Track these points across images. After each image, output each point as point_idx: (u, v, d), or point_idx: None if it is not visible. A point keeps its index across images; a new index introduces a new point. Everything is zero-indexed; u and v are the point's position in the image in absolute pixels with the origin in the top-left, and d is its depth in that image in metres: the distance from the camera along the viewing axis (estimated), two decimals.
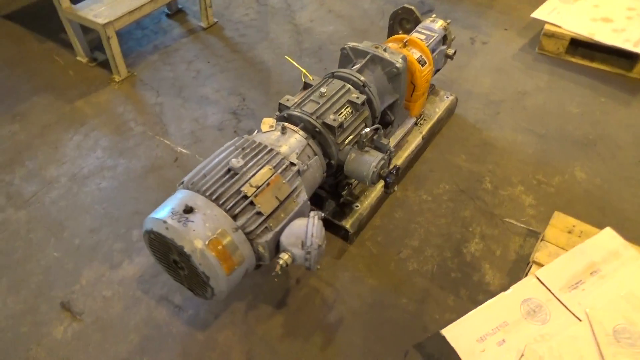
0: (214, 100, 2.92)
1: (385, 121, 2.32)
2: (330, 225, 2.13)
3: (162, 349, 1.82)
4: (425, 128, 2.57)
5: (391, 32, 2.87)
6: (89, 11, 2.85)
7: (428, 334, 1.86)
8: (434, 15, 2.70)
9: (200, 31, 3.50)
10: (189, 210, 1.44)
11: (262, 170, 1.57)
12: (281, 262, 1.52)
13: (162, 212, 1.47)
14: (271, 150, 1.66)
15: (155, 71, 3.12)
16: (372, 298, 1.99)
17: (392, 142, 2.36)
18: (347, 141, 1.86)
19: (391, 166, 1.90)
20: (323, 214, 1.61)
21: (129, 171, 2.48)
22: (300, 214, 1.63)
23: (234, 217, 1.48)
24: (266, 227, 1.54)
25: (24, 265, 2.09)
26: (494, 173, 2.49)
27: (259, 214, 1.52)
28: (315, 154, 1.77)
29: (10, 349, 1.82)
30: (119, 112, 2.82)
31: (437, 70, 2.74)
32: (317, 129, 1.80)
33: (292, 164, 1.66)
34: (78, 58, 3.18)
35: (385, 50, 2.13)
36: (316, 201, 2.13)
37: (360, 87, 2.00)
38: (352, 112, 1.90)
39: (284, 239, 1.54)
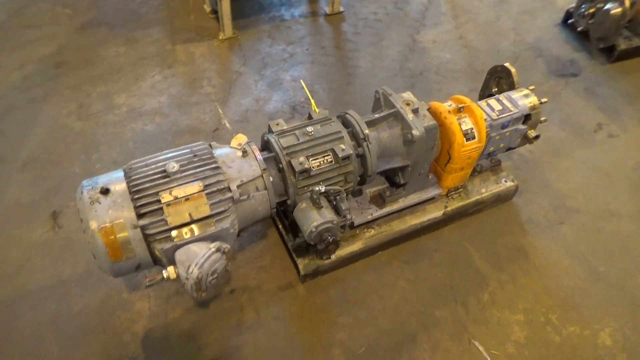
0: (286, 87, 2.95)
1: (394, 182, 2.12)
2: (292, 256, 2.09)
3: (95, 284, 2.03)
4: (454, 205, 2.28)
5: (486, 86, 2.55)
6: None
7: None
8: (532, 88, 2.31)
9: (322, 16, 3.50)
10: (104, 191, 1.54)
11: (191, 185, 1.59)
12: (165, 274, 1.56)
13: (92, 181, 1.59)
14: (217, 168, 1.66)
15: (256, 41, 3.25)
16: (282, 344, 1.92)
17: (395, 205, 2.15)
18: (310, 188, 1.75)
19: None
20: (227, 248, 1.58)
21: (174, 124, 2.69)
22: (215, 238, 1.62)
23: (139, 216, 1.54)
24: (168, 237, 1.57)
25: (52, 166, 2.46)
26: (504, 287, 2.13)
27: (165, 222, 1.55)
28: (266, 189, 1.72)
29: None
30: (202, 68, 3.03)
31: (510, 149, 2.37)
32: (281, 165, 1.73)
33: (229, 189, 1.64)
34: (204, 6, 3.44)
35: (415, 110, 1.91)
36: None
37: (359, 139, 1.85)
38: (331, 161, 1.77)
39: (178, 255, 1.57)
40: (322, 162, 1.77)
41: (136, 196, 1.55)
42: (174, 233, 1.57)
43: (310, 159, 1.75)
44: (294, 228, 1.98)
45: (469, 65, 3.18)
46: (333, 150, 1.78)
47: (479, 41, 3.36)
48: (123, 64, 3.02)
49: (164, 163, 1.63)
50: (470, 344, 1.95)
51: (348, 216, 1.74)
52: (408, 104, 1.92)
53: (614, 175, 2.58)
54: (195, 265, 1.51)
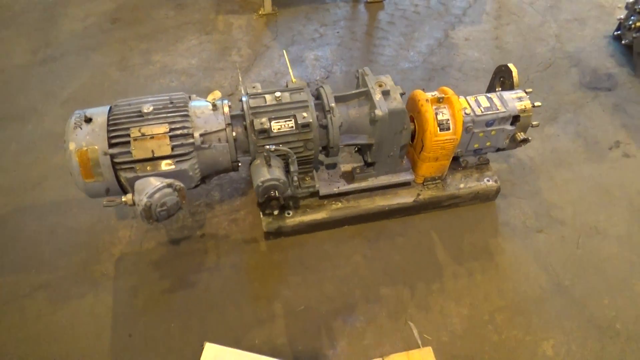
0: (306, 65, 3.11)
1: (365, 161, 2.21)
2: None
3: (91, 209, 2.34)
4: (427, 194, 2.32)
5: (491, 84, 2.55)
6: None
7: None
8: (529, 90, 2.29)
9: (363, 2, 3.59)
10: (87, 120, 1.81)
11: (158, 126, 1.81)
12: (123, 199, 1.80)
13: (83, 111, 1.86)
14: (186, 115, 1.87)
15: (292, 19, 3.42)
16: (231, 288, 2.11)
17: (364, 183, 2.25)
18: (268, 147, 1.91)
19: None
20: (179, 186, 1.79)
21: (196, 84, 2.95)
22: (174, 177, 1.84)
23: (110, 145, 1.79)
24: (132, 168, 1.81)
25: (85, 106, 2.81)
26: (457, 280, 2.15)
27: (130, 154, 1.79)
28: (227, 142, 1.90)
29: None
30: (236, 38, 3.27)
31: (500, 149, 2.36)
32: (244, 124, 1.91)
33: (192, 135, 1.84)
34: None
35: (386, 92, 1.99)
36: None
37: (325, 111, 1.97)
38: (292, 127, 1.92)
39: (137, 184, 1.80)
40: (283, 126, 1.91)
41: (111, 128, 1.80)
42: (137, 165, 1.81)
43: (272, 122, 1.90)
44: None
45: (495, 65, 3.10)
46: (295, 117, 1.91)
47: (514, 44, 3.29)
48: (168, 26, 3.33)
49: (143, 104, 1.87)
50: (405, 324, 2.02)
51: (295, 178, 1.88)
52: (380, 85, 2.00)
53: (615, 195, 2.47)
54: (146, 194, 1.73)
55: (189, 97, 1.98)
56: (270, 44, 3.24)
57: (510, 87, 2.38)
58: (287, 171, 1.93)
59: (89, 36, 3.23)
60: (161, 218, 1.83)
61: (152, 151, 1.80)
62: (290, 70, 2.09)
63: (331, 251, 2.24)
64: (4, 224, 2.29)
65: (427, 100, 2.12)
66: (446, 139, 2.13)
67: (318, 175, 2.26)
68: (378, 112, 1.93)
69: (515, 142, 2.31)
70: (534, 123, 2.30)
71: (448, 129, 2.12)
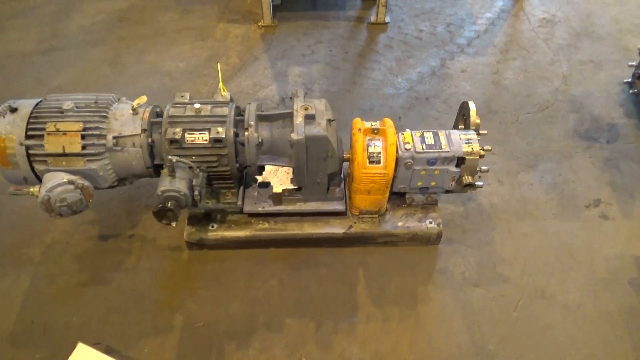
0: (287, 80, 3.08)
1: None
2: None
3: None
4: (361, 227, 2.21)
5: (456, 122, 2.40)
6: None
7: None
8: (484, 132, 2.14)
9: (365, 23, 3.52)
10: (12, 110, 1.88)
11: (73, 123, 1.86)
12: (31, 189, 1.86)
13: (13, 100, 1.95)
14: (104, 117, 1.90)
15: (290, 33, 3.41)
16: (140, 291, 2.11)
17: (290, 206, 2.17)
18: (170, 157, 1.88)
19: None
20: (83, 184, 1.82)
21: (175, 88, 3.00)
22: (82, 174, 1.87)
23: (27, 137, 1.85)
24: (45, 160, 1.86)
25: (70, 88, 2.95)
26: (369, 322, 2.02)
27: (43, 147, 1.84)
28: (141, 147, 1.91)
29: None
30: (228, 47, 3.31)
31: (449, 192, 2.21)
32: (160, 132, 1.91)
33: (105, 137, 1.87)
34: None
35: (310, 116, 1.91)
36: None
37: (242, 128, 1.93)
38: (206, 140, 1.89)
39: (45, 177, 1.84)
40: (197, 139, 1.89)
41: (32, 121, 1.87)
42: (49, 159, 1.86)
43: (186, 133, 1.89)
44: (212, 193, 2.12)
45: (485, 101, 2.94)
46: (209, 131, 1.89)
47: (513, 80, 3.08)
48: (169, 29, 3.44)
49: (66, 101, 1.92)
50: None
51: (196, 192, 1.85)
52: (306, 109, 1.93)
53: (577, 258, 2.22)
54: (45, 188, 1.78)
55: (117, 99, 2.01)
56: (260, 55, 3.24)
57: (468, 126, 2.22)
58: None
59: (93, 32, 3.40)
60: (65, 213, 1.87)
61: (63, 147, 1.84)
62: (220, 84, 2.07)
63: (249, 271, 2.18)
64: None
65: (359, 129, 2.02)
66: (375, 173, 2.01)
67: (248, 193, 2.22)
68: (294, 135, 1.86)
69: (460, 186, 2.15)
70: (483, 168, 2.13)
71: (378, 162, 2.00)
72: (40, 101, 1.95)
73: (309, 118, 1.92)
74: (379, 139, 2.03)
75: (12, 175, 1.92)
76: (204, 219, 2.23)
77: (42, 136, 1.85)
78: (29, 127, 1.86)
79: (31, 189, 1.87)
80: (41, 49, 3.27)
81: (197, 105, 1.93)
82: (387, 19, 3.51)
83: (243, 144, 1.94)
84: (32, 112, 1.89)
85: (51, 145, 1.84)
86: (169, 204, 1.80)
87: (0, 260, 2.21)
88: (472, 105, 2.19)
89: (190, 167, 1.87)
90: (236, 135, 1.93)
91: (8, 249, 2.25)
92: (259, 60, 3.21)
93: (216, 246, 2.23)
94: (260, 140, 1.94)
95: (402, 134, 2.13)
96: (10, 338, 1.97)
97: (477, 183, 2.18)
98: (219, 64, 2.40)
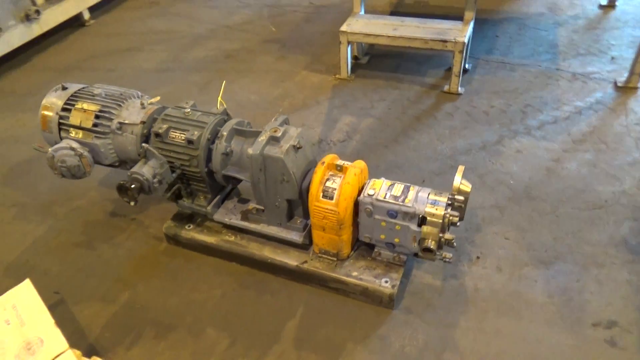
0: (335, 126, 3.19)
1: None
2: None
3: None
4: (314, 266, 2.16)
5: None
6: (349, 23, 3.53)
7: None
8: (460, 198, 1.98)
9: (438, 91, 3.48)
10: (64, 88, 2.37)
11: (93, 105, 2.25)
12: (49, 150, 2.28)
13: (69, 83, 2.45)
14: (118, 105, 2.26)
15: (360, 88, 3.54)
16: (109, 264, 2.36)
17: (252, 225, 2.23)
18: (144, 144, 2.12)
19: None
20: (83, 154, 2.18)
21: (240, 110, 3.35)
22: (88, 147, 2.24)
23: (62, 109, 2.29)
24: (67, 130, 2.28)
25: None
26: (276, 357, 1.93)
27: (68, 119, 2.27)
28: (136, 135, 2.21)
29: None
30: (300, 90, 3.58)
31: (416, 255, 2.06)
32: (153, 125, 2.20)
33: (112, 120, 2.23)
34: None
35: (275, 138, 1.99)
36: None
37: (217, 137, 2.10)
38: (183, 140, 2.11)
39: (65, 142, 2.25)
40: (177, 137, 2.12)
41: (71, 98, 2.32)
42: (71, 129, 2.27)
43: (171, 130, 2.13)
44: (191, 194, 2.34)
45: (527, 186, 2.63)
46: (188, 132, 2.10)
47: (574, 172, 2.69)
48: (260, 69, 3.87)
49: (100, 89, 2.35)
50: None
51: (156, 180, 2.05)
52: (275, 131, 2.03)
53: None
54: (52, 148, 2.17)
55: (140, 96, 2.37)
56: (322, 102, 3.43)
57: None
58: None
59: (202, 62, 4.02)
60: (65, 174, 2.24)
61: (80, 121, 2.24)
62: (219, 98, 2.29)
63: (203, 276, 2.28)
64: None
65: (323, 162, 2.03)
66: (327, 208, 1.98)
67: (226, 204, 2.35)
68: (250, 150, 1.97)
69: (420, 249, 1.97)
70: (447, 236, 1.92)
71: (331, 198, 1.97)
72: (86, 86, 2.41)
73: (274, 140, 2.00)
74: (340, 177, 2.00)
75: (47, 137, 2.37)
76: (186, 218, 2.41)
77: (71, 110, 2.28)
78: (67, 102, 2.30)
79: (49, 149, 2.28)
80: (158, 68, 3.97)
81: (187, 110, 2.17)
82: (461, 90, 3.41)
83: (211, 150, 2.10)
84: (74, 92, 2.34)
85: (73, 118, 2.25)
86: (131, 184, 2.04)
87: (34, 208, 2.69)
88: (459, 169, 2.03)
89: (160, 158, 2.08)
90: (210, 141, 2.11)
91: (44, 202, 2.72)
92: (319, 106, 3.39)
93: (188, 245, 2.38)
94: (228, 150, 2.09)
95: (373, 180, 2.06)
96: (5, 269, 2.36)
97: (444, 253, 1.98)
98: (224, 82, 2.62)
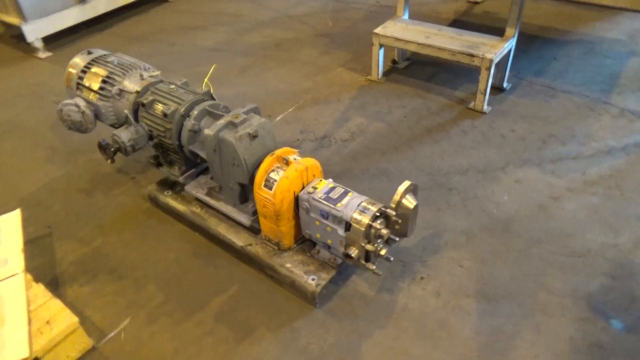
0: (343, 125, 3.23)
1: None
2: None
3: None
4: (255, 250, 2.27)
5: None
6: (386, 26, 3.51)
7: None
8: (392, 213, 1.98)
9: (463, 107, 3.36)
10: (90, 52, 2.70)
11: (104, 70, 2.55)
12: (63, 108, 2.62)
13: (97, 49, 2.78)
14: (124, 74, 2.52)
15: (386, 92, 3.52)
16: (96, 209, 2.67)
17: (212, 202, 2.38)
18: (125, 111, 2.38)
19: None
20: (85, 110, 2.48)
21: (252, 100, 3.52)
22: (93, 106, 2.54)
23: (82, 71, 2.62)
24: (81, 89, 2.61)
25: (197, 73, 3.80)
26: (197, 328, 2.08)
27: (83, 79, 2.59)
28: (129, 102, 2.47)
29: None
30: (328, 86, 3.65)
31: (356, 266, 2.08)
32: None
33: (114, 86, 2.50)
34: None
35: (234, 124, 2.11)
36: None
37: (188, 113, 2.28)
38: (162, 112, 2.32)
39: (75, 99, 2.58)
40: (157, 109, 2.34)
41: (91, 62, 2.64)
42: (83, 89, 2.60)
43: (154, 102, 2.35)
44: (170, 163, 2.57)
45: (509, 219, 2.48)
46: (166, 105, 2.31)
47: (568, 213, 2.48)
48: (301, 61, 3.99)
49: (119, 58, 2.64)
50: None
51: (129, 144, 2.28)
52: (236, 117, 2.15)
53: None
54: (62, 103, 2.51)
55: (147, 69, 2.63)
56: (343, 100, 3.48)
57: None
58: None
59: (252, 47, 4.24)
60: (71, 127, 2.57)
61: (90, 83, 2.55)
62: (206, 79, 2.45)
63: (166, 239, 2.49)
64: None
65: (272, 154, 2.11)
66: (265, 197, 2.07)
67: (200, 178, 2.52)
68: (206, 131, 2.11)
69: (346, 256, 1.99)
70: (379, 248, 1.93)
71: (270, 188, 2.06)
72: (107, 54, 2.72)
73: (232, 124, 2.13)
74: (284, 169, 2.07)
75: (69, 92, 2.72)
76: (169, 185, 2.64)
77: (86, 72, 2.60)
78: (86, 65, 2.62)
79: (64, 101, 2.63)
80: (213, 47, 4.27)
81: (172, 87, 2.37)
82: (487, 109, 3.25)
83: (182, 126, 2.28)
84: (95, 58, 2.66)
85: (87, 79, 2.57)
86: (107, 144, 2.30)
87: (62, 154, 3.09)
88: (404, 184, 2.00)
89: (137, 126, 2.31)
90: (184, 118, 2.29)
91: (71, 150, 3.11)
92: (338, 103, 3.44)
93: (164, 209, 2.62)
94: (195, 128, 2.25)
95: (319, 180, 2.11)
96: (19, 199, 2.78)
97: (369, 264, 1.98)
98: (214, 65, 2.75)
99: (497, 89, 3.46)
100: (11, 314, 1.91)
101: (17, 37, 4.44)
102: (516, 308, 2.06)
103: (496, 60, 3.10)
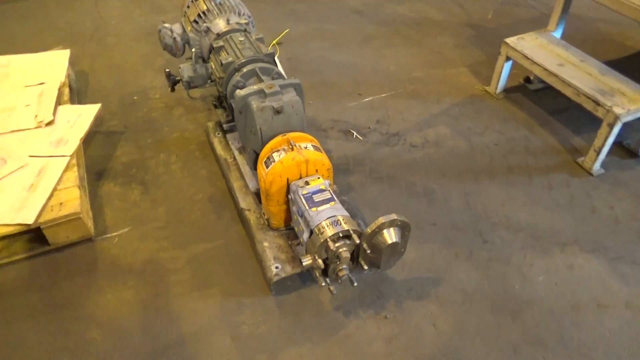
0: (388, 115, 2.99)
1: None
2: None
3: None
4: (252, 217, 2.31)
5: None
6: (522, 37, 3.03)
7: None
8: (355, 232, 1.87)
9: (569, 157, 2.81)
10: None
11: (204, 4, 2.71)
12: (161, 29, 2.88)
13: None
14: (218, 14, 2.66)
15: (490, 110, 3.11)
16: (158, 161, 2.98)
17: (239, 158, 2.47)
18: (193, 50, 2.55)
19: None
20: (176, 34, 2.72)
21: (365, 71, 3.41)
22: (186, 34, 2.76)
23: (187, 6, 2.83)
24: (185, 18, 2.84)
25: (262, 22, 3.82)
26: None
27: (189, 7, 2.80)
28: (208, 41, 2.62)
29: None
30: (433, 80, 3.36)
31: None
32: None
33: (205, 23, 2.67)
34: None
35: (261, 92, 2.11)
36: None
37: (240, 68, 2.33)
38: (222, 60, 2.42)
39: (175, 25, 2.82)
40: (222, 56, 2.44)
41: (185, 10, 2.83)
42: (184, 17, 2.82)
43: (222, 49, 2.45)
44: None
45: (525, 302, 2.11)
46: (227, 56, 2.40)
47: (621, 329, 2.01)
48: (427, 47, 3.70)
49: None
50: None
51: (186, 78, 2.46)
52: (270, 87, 2.14)
53: None
54: (163, 25, 2.77)
55: (241, 14, 2.72)
56: (442, 102, 3.17)
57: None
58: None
59: (389, 18, 4.04)
60: (166, 48, 2.82)
61: (188, 15, 2.75)
62: (274, 42, 2.45)
63: (197, 177, 2.67)
64: None
65: (283, 135, 2.09)
66: (260, 173, 2.10)
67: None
68: (237, 90, 2.16)
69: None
70: (322, 284, 1.84)
71: (267, 167, 2.06)
72: None
73: (262, 93, 2.13)
74: (286, 153, 2.04)
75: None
76: (222, 127, 2.78)
77: (193, 2, 2.80)
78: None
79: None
80: (354, 10, 4.17)
81: (242, 39, 2.44)
82: (598, 171, 2.67)
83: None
84: None
85: (189, 10, 2.78)
86: (170, 74, 2.51)
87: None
88: (387, 217, 1.83)
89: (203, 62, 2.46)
90: (235, 71, 2.36)
91: (125, 109, 3.29)
92: (435, 105, 3.15)
93: (211, 148, 2.79)
94: (239, 85, 2.30)
95: (316, 177, 2.05)
96: (120, 96, 3.21)
97: (321, 280, 1.91)
98: (287, 29, 2.67)
99: (629, 151, 2.80)
100: (43, 185, 2.31)
101: None
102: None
103: (626, 119, 2.48)
